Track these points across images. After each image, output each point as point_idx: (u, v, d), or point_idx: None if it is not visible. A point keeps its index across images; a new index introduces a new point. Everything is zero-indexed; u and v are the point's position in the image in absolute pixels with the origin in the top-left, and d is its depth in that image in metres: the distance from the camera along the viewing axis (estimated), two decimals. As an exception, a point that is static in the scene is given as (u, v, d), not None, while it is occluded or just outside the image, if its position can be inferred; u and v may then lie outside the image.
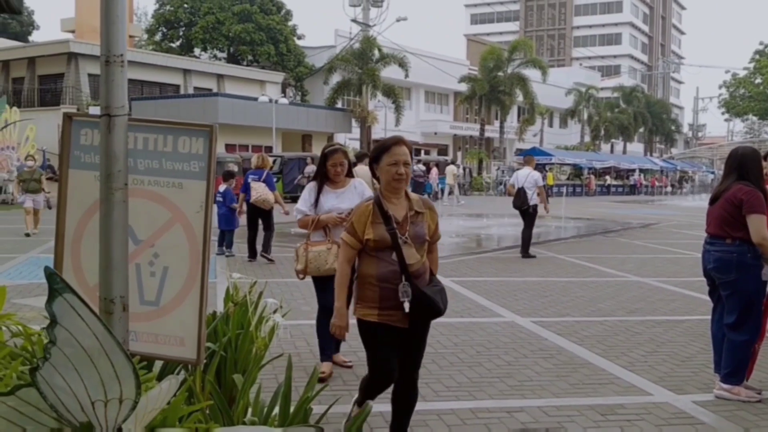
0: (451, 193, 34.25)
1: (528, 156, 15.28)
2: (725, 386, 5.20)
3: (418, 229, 3.74)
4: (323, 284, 5.53)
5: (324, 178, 5.56)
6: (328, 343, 5.65)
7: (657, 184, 56.86)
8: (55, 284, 1.50)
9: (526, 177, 13.33)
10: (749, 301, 5.11)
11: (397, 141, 3.75)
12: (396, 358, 3.77)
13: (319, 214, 5.49)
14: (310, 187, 5.60)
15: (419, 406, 4.89)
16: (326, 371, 5.53)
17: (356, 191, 5.55)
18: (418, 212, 3.78)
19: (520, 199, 13.27)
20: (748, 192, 5.04)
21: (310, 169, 27.51)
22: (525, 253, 13.29)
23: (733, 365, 5.18)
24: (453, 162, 40.09)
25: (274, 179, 12.70)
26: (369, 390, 3.90)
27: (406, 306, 3.60)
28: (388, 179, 3.71)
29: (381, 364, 3.76)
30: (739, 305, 5.13)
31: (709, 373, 5.70)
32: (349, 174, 5.64)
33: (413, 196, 3.85)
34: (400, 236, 3.64)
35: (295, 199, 30.85)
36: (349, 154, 5.60)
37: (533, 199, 13.21)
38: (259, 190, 11.90)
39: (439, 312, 3.73)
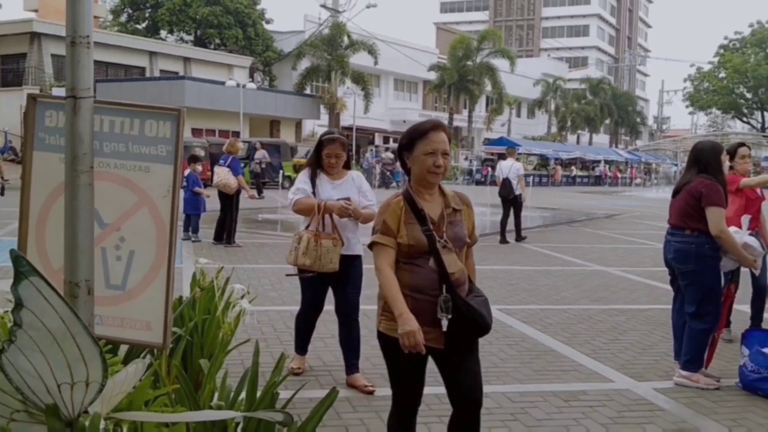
0: None
1: (510, 148, 15.94)
2: (684, 373, 5.31)
3: (457, 230, 3.16)
4: (314, 281, 5.06)
5: (318, 166, 5.05)
6: (306, 339, 5.31)
7: (619, 175, 57.58)
8: (21, 267, 1.48)
9: (510, 168, 14.03)
10: (707, 291, 5.22)
11: (436, 125, 3.15)
12: (423, 385, 3.25)
13: (325, 200, 4.92)
14: (306, 173, 5.08)
15: (386, 391, 4.92)
16: (300, 367, 5.25)
17: (354, 184, 5.07)
18: (455, 209, 3.19)
19: (506, 189, 13.94)
20: (708, 185, 5.15)
21: (261, 154, 26.65)
22: (518, 236, 14.22)
23: (692, 353, 5.29)
24: None
25: (241, 164, 12.68)
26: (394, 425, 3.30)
27: (444, 324, 3.02)
28: (422, 171, 3.10)
29: (407, 389, 3.21)
30: (697, 295, 5.25)
31: (670, 361, 5.82)
32: (347, 166, 5.14)
33: (448, 190, 3.25)
34: (438, 239, 3.07)
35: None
36: (347, 145, 5.11)
37: (518, 188, 13.91)
38: (221, 175, 12.02)
39: (487, 328, 3.13)
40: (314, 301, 5.20)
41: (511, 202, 14.04)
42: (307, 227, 4.95)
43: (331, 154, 4.95)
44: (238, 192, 12.20)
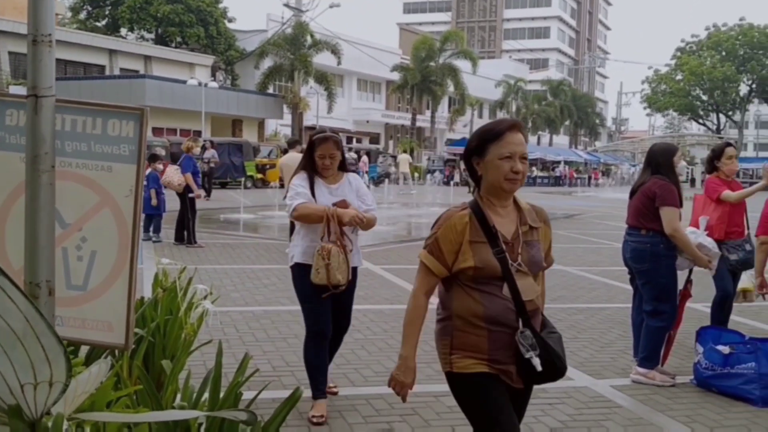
0: (405, 180, 34.55)
1: None
2: (641, 370, 5.43)
3: (534, 252, 2.71)
4: (320, 298, 4.43)
5: (312, 169, 4.56)
6: (322, 376, 4.59)
7: (576, 175, 58.45)
8: (-15, 266, 1.48)
9: None
10: (662, 290, 5.35)
11: (513, 125, 2.68)
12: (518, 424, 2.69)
13: (334, 207, 4.39)
14: (301, 177, 4.56)
15: (349, 391, 4.97)
16: (323, 414, 4.45)
17: (351, 187, 4.61)
18: (532, 227, 2.74)
19: None
20: (662, 186, 5.28)
21: (209, 154, 25.78)
22: None
23: (648, 350, 5.42)
24: (405, 151, 40.35)
25: (194, 163, 12.58)
26: None
27: (537, 363, 2.56)
28: (498, 179, 2.63)
29: (504, 429, 2.62)
30: (652, 293, 5.37)
31: (627, 359, 5.94)
32: (342, 167, 4.65)
33: (523, 203, 2.78)
34: (511, 262, 2.61)
35: (224, 185, 30.35)
36: (341, 144, 4.63)
37: None
38: (168, 173, 12.07)
39: (563, 371, 2.70)
40: (325, 323, 4.55)
41: None
42: (321, 238, 4.38)
43: (325, 154, 4.49)
44: (190, 190, 12.16)
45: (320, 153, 4.50)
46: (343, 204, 4.46)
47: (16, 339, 1.52)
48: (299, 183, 4.53)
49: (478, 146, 2.69)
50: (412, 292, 2.72)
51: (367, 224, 4.51)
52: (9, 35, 36.18)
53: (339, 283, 4.33)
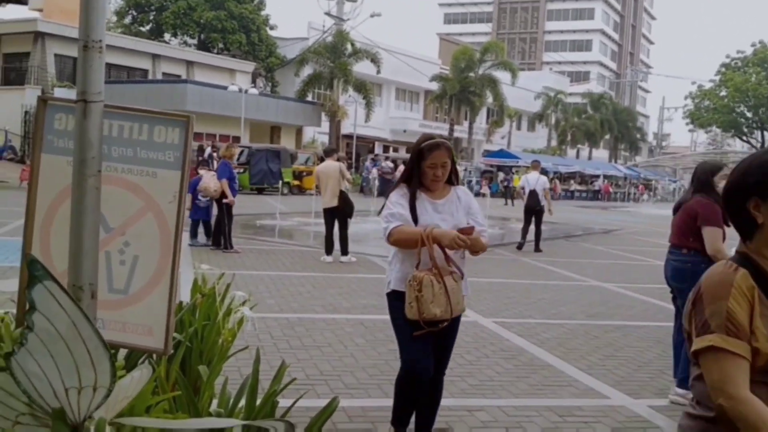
0: None
1: (535, 162, 16.53)
2: (680, 391, 5.32)
3: None
4: (427, 335, 3.81)
5: (417, 182, 3.90)
6: (408, 414, 4.15)
7: (611, 190, 57.95)
8: (36, 271, 1.50)
9: (536, 181, 14.89)
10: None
11: None
12: None
13: (430, 227, 3.75)
14: (401, 192, 3.92)
15: (382, 402, 4.95)
16: None
17: (461, 203, 3.94)
18: None
19: (533, 200, 14.88)
20: (705, 205, 5.20)
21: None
22: (537, 247, 15.00)
23: (688, 371, 5.31)
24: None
25: (230, 169, 12.68)
26: None
27: None
28: None
29: None
30: (694, 314, 5.26)
31: (665, 379, 5.84)
32: (449, 180, 3.97)
33: None
34: None
35: (260, 191, 30.54)
36: (453, 151, 3.96)
37: (542, 200, 14.83)
38: (204, 179, 12.22)
39: None
40: (421, 362, 3.89)
41: (535, 213, 14.92)
42: (417, 265, 3.76)
43: (437, 163, 3.82)
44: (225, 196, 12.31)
45: (431, 162, 3.82)
46: (468, 231, 3.72)
47: (63, 343, 1.53)
48: (397, 200, 3.89)
49: (761, 182, 1.90)
50: (731, 397, 1.81)
51: (476, 246, 3.79)
52: (55, 38, 37.00)
53: (435, 318, 3.69)
